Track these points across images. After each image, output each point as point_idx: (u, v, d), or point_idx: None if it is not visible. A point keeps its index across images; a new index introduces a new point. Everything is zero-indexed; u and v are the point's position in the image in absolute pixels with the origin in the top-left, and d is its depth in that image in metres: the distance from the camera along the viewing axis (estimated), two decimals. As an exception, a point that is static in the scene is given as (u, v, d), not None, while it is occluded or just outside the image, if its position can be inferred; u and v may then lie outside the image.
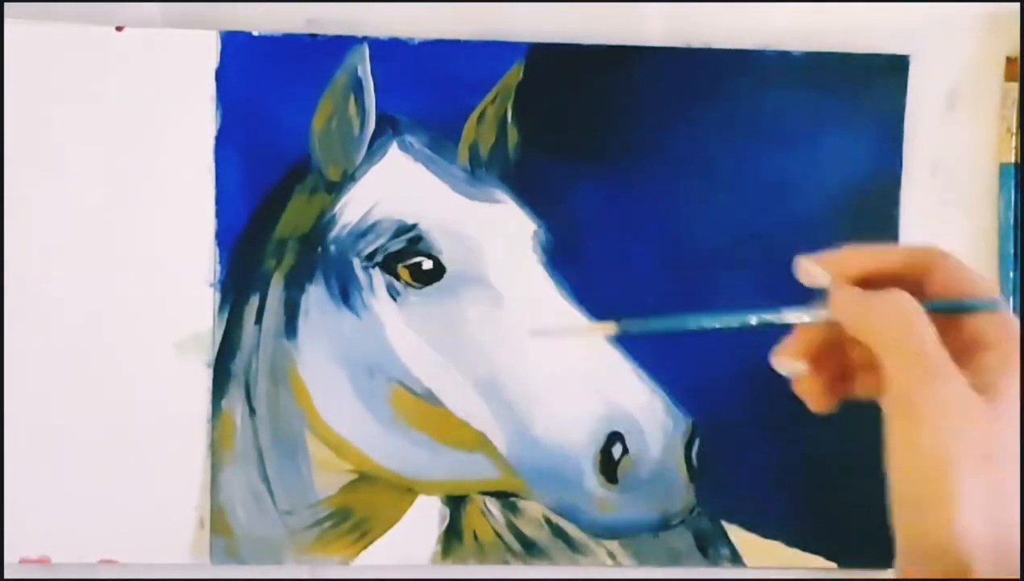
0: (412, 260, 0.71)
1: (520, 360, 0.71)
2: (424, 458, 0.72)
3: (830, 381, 0.57)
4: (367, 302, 0.71)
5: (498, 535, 0.73)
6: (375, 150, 0.72)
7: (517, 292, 0.72)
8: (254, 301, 0.71)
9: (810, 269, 0.57)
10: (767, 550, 0.73)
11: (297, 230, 0.72)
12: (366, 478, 0.72)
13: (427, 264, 0.71)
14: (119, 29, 0.71)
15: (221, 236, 0.71)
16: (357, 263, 0.71)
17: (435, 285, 0.71)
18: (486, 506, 0.72)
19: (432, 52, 0.72)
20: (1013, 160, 0.74)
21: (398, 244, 0.71)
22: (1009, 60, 0.74)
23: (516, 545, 0.73)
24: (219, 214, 0.71)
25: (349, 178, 0.72)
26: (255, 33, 0.71)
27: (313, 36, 0.71)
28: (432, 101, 0.72)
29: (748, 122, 0.73)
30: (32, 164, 0.71)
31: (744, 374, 0.73)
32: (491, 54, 0.72)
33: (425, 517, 0.72)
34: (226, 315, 0.71)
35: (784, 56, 0.73)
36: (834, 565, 0.74)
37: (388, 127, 0.72)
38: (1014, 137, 0.74)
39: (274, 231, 0.72)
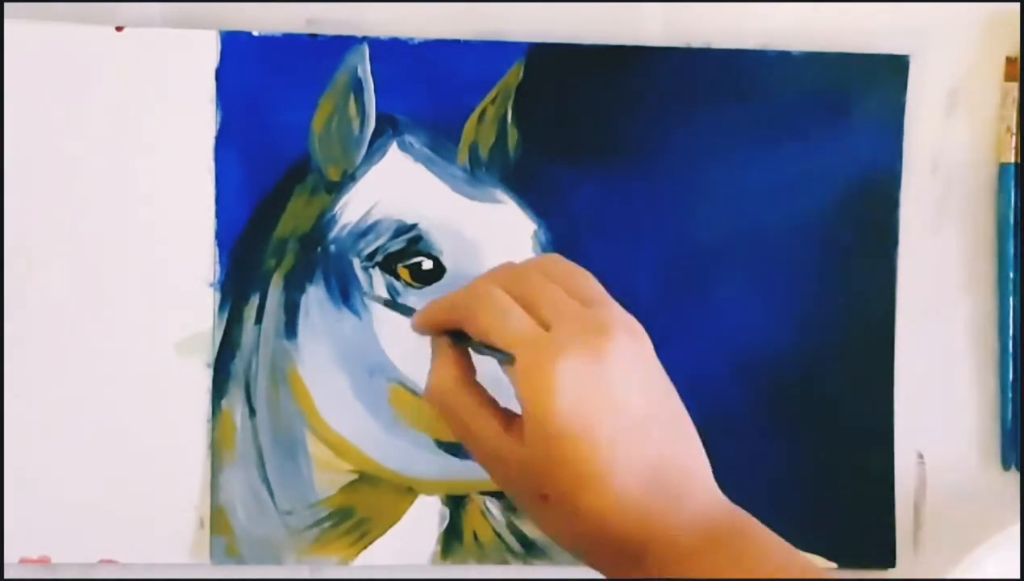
0: (412, 260, 0.71)
1: (520, 360, 0.71)
2: (424, 458, 0.72)
3: None
4: (367, 302, 0.71)
5: (498, 535, 0.73)
6: (375, 150, 0.72)
7: (517, 292, 0.71)
8: (254, 301, 0.71)
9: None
10: (767, 550, 0.73)
11: (297, 230, 0.72)
12: (366, 478, 0.72)
13: (427, 264, 0.71)
14: (119, 29, 0.71)
15: (221, 236, 0.71)
16: (357, 263, 0.71)
17: (435, 285, 0.71)
18: (486, 506, 0.72)
19: (432, 52, 0.72)
20: (1013, 160, 0.74)
21: (398, 244, 0.71)
22: (1009, 60, 0.74)
23: (516, 545, 0.73)
24: (219, 214, 0.71)
25: (349, 178, 0.72)
26: (255, 33, 0.71)
27: (313, 36, 0.71)
28: (432, 101, 0.72)
29: (748, 122, 0.73)
30: (32, 164, 0.70)
31: (744, 374, 0.73)
32: (491, 54, 0.72)
33: (425, 517, 0.72)
34: (226, 315, 0.71)
35: (784, 56, 0.73)
36: (834, 565, 0.74)
37: (388, 127, 0.72)
38: (1014, 137, 0.74)
39: (274, 231, 0.72)
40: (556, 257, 0.60)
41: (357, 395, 0.71)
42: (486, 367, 0.59)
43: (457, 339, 0.59)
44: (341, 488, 0.72)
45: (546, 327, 0.54)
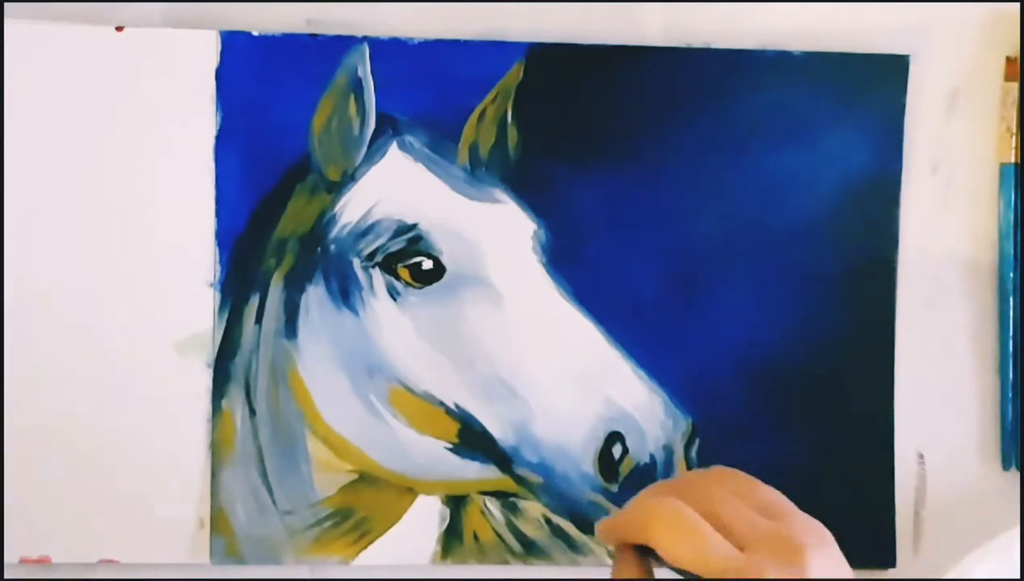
0: (412, 260, 0.71)
1: (520, 360, 0.71)
2: (424, 458, 0.72)
3: None
4: (367, 302, 0.71)
5: (498, 535, 0.73)
6: (375, 150, 0.72)
7: (517, 292, 0.72)
8: (254, 301, 0.71)
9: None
10: (767, 550, 0.73)
11: (297, 230, 0.72)
12: (366, 478, 0.72)
13: (427, 264, 0.71)
14: (119, 29, 0.71)
15: (221, 236, 0.71)
16: (357, 263, 0.71)
17: (435, 285, 0.71)
18: (486, 506, 0.72)
19: (432, 52, 0.72)
20: (1013, 160, 0.74)
21: (398, 244, 0.71)
22: (1009, 60, 0.74)
23: (516, 545, 0.73)
24: (219, 214, 0.71)
25: (349, 178, 0.72)
26: (255, 33, 0.71)
27: (313, 36, 0.71)
28: (432, 101, 0.72)
29: (748, 122, 0.73)
30: (32, 164, 0.71)
31: (744, 373, 0.73)
32: (491, 54, 0.72)
33: (425, 517, 0.72)
34: (226, 315, 0.71)
35: (784, 56, 0.73)
36: (834, 565, 0.74)
37: (388, 127, 0.72)
38: (1014, 137, 0.74)
39: (274, 231, 0.72)
40: (730, 470, 0.58)
41: (357, 395, 0.71)
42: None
43: (642, 552, 0.55)
44: (341, 488, 0.72)
45: (740, 548, 0.52)
